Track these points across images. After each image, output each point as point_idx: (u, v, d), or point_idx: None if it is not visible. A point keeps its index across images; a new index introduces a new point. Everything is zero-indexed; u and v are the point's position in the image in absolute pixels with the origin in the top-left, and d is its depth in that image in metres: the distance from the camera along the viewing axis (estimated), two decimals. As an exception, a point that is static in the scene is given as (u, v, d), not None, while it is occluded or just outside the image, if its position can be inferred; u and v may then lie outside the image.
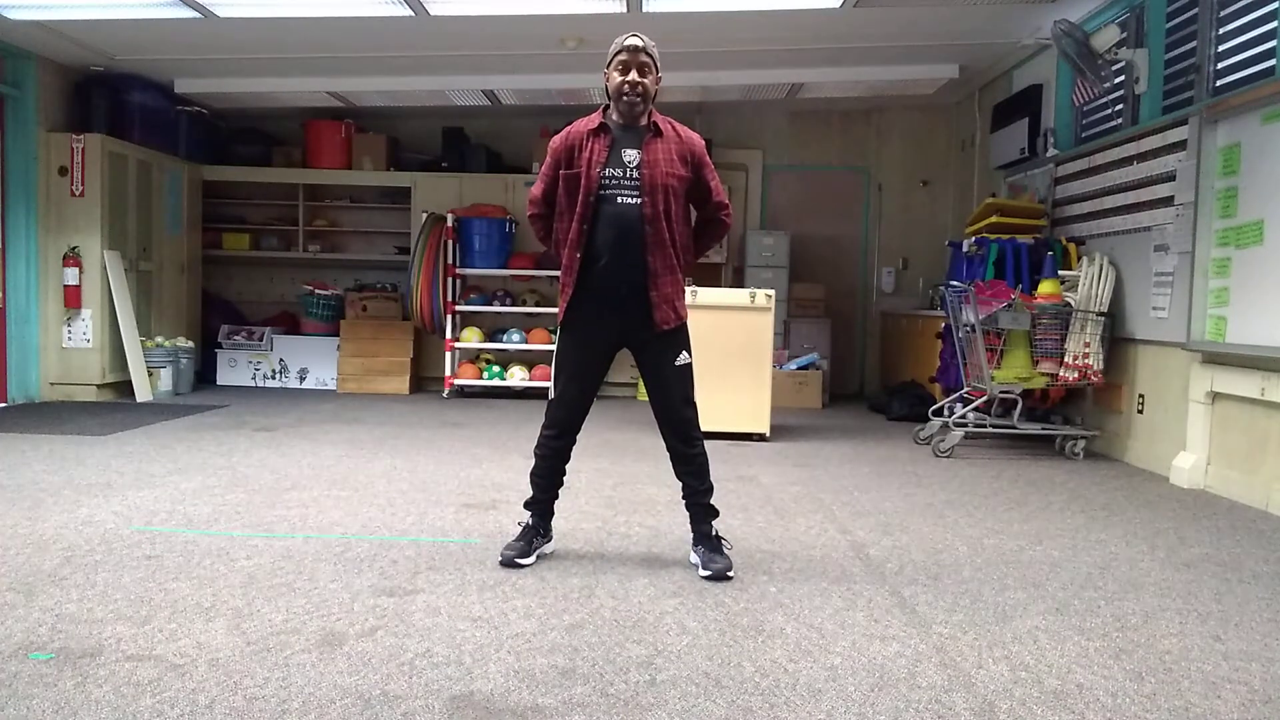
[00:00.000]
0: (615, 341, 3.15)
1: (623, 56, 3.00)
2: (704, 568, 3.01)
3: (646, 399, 8.96)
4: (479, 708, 2.04)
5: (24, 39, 6.67)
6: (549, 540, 3.23)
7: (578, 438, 3.20)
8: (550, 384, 3.20)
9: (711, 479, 3.17)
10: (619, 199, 2.98)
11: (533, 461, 3.22)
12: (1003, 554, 3.38)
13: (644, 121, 3.05)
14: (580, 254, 3.01)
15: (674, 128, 3.10)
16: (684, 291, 3.15)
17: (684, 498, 3.18)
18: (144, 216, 7.79)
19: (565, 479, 3.25)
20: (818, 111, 8.86)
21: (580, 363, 3.13)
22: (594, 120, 3.08)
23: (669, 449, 3.16)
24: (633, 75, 2.98)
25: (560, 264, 3.12)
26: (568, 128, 3.12)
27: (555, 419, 3.15)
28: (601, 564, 3.14)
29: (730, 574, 2.99)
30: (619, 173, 2.99)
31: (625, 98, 2.99)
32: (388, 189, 8.82)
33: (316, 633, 2.45)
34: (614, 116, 3.07)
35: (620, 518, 3.82)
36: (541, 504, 3.19)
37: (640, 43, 3.01)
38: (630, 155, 2.99)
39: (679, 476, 3.17)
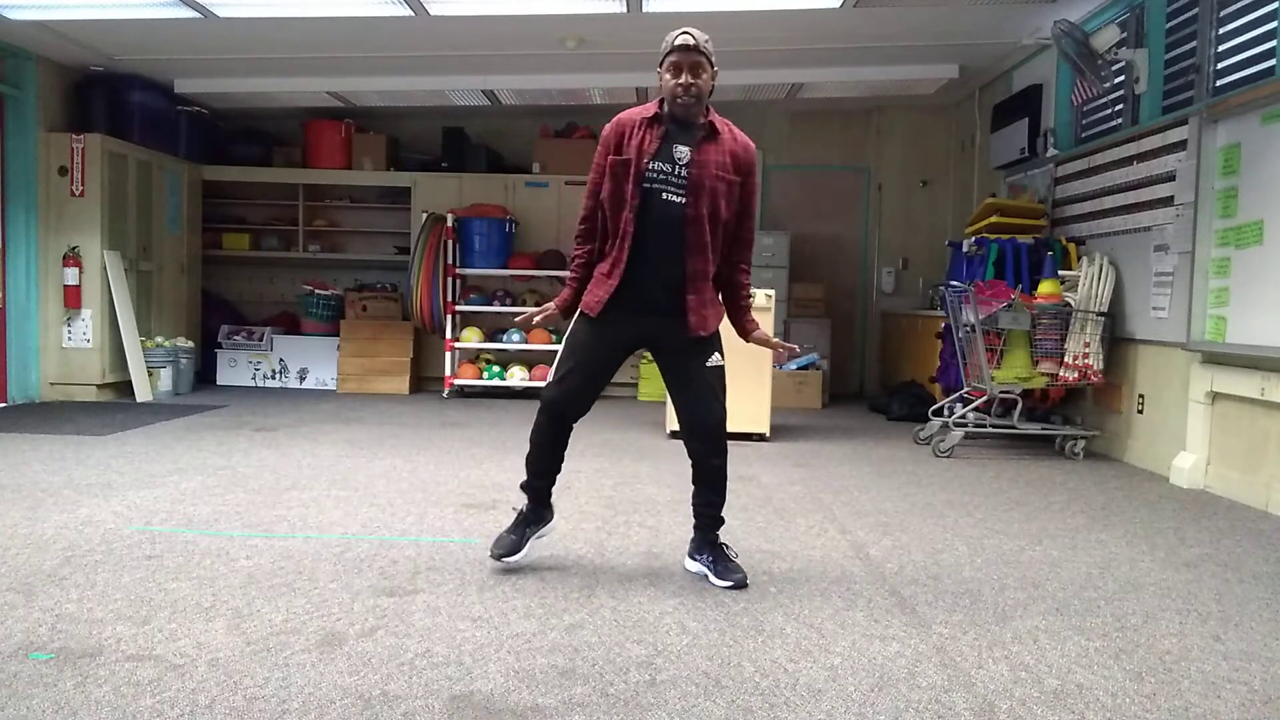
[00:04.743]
0: (638, 341, 3.04)
1: (674, 57, 2.83)
2: (721, 579, 2.92)
3: (646, 399, 8.81)
4: (479, 708, 2.04)
5: (24, 39, 6.67)
6: (550, 520, 3.12)
7: (575, 429, 3.06)
8: (551, 370, 3.03)
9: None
10: (663, 195, 2.84)
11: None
12: (1003, 554, 3.38)
13: (700, 121, 2.90)
14: (629, 246, 2.87)
15: (730, 130, 2.97)
16: (719, 297, 3.04)
17: (696, 505, 3.07)
18: (144, 216, 7.79)
19: (564, 467, 3.11)
20: (818, 111, 8.85)
21: (595, 354, 2.99)
22: (649, 109, 2.92)
23: (692, 455, 3.03)
24: (685, 77, 2.81)
25: (570, 255, 3.07)
26: (618, 116, 2.95)
27: (551, 401, 2.99)
28: (601, 564, 3.14)
29: (747, 584, 2.92)
30: (667, 168, 2.84)
31: (679, 100, 2.83)
32: (388, 189, 8.82)
33: (316, 633, 2.45)
34: (668, 112, 2.92)
35: (620, 518, 3.81)
36: (536, 489, 3.08)
37: (692, 40, 2.82)
38: (681, 152, 2.86)
39: (697, 483, 3.05)
